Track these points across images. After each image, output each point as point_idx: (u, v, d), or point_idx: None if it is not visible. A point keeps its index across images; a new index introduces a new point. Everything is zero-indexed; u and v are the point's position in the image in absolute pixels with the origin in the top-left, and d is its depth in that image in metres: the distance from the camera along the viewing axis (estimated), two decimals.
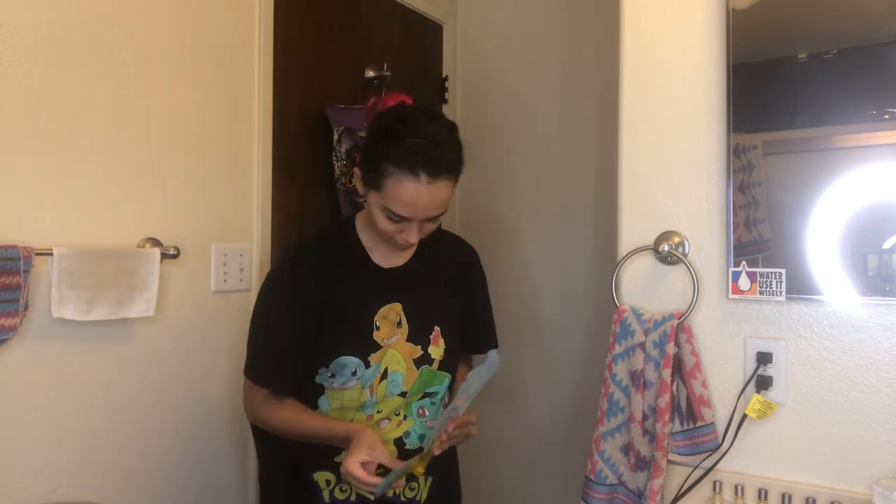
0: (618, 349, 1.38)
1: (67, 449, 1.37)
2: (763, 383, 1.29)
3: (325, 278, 1.33)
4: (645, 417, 1.34)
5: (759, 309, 1.32)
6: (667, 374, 1.30)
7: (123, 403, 1.46)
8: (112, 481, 1.44)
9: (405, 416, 1.37)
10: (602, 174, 2.24)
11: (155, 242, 1.48)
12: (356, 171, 1.33)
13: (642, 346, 1.35)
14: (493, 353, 1.27)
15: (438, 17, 2.49)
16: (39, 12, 1.30)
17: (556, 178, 2.37)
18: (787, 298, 1.28)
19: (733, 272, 1.32)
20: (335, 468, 1.34)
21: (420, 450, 1.35)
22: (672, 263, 1.40)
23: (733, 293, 1.32)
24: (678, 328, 1.32)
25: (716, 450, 1.32)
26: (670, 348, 1.30)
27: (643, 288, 1.43)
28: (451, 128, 1.29)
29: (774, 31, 1.33)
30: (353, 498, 1.35)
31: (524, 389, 2.41)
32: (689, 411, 1.33)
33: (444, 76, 2.52)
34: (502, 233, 2.47)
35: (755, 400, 1.29)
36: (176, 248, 1.49)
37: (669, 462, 1.33)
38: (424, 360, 1.38)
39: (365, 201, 1.33)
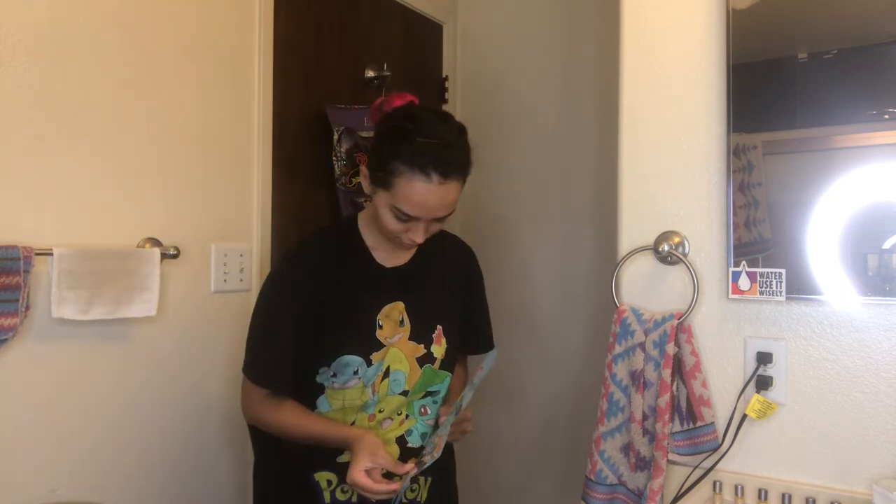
0: (618, 349, 1.38)
1: (67, 449, 1.37)
2: (763, 383, 1.30)
3: (327, 278, 1.33)
4: (645, 417, 1.34)
5: (759, 309, 1.32)
6: (667, 374, 1.30)
7: (123, 403, 1.46)
8: (112, 481, 1.44)
9: (407, 416, 1.38)
10: (602, 174, 2.24)
11: (155, 242, 1.48)
12: (363, 169, 1.33)
13: (642, 346, 1.35)
14: (492, 353, 1.30)
15: (438, 17, 2.49)
16: (39, 12, 1.30)
17: (556, 178, 2.37)
18: (787, 298, 1.28)
19: (733, 272, 1.32)
20: (337, 468, 1.34)
21: (422, 448, 1.35)
22: (672, 263, 1.40)
23: (733, 293, 1.32)
24: (678, 328, 1.33)
25: (716, 450, 1.32)
26: (670, 348, 1.30)
27: (643, 288, 1.44)
28: (462, 130, 1.30)
29: (774, 31, 1.33)
30: (354, 499, 1.35)
31: (524, 389, 2.41)
32: (689, 411, 1.33)
33: (444, 76, 2.52)
34: (502, 233, 2.47)
35: (755, 400, 1.29)
36: (176, 248, 1.49)
37: (669, 462, 1.33)
38: (427, 358, 1.38)
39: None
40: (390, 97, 1.34)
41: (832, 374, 1.26)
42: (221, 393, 1.66)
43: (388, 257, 1.40)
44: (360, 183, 1.92)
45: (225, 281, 1.67)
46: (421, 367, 1.37)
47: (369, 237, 1.39)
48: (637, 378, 1.35)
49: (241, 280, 1.72)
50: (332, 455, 1.34)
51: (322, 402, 1.34)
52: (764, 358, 1.30)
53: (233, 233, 1.71)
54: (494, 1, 2.53)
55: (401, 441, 1.36)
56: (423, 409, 1.40)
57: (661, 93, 1.42)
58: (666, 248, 1.39)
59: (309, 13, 1.95)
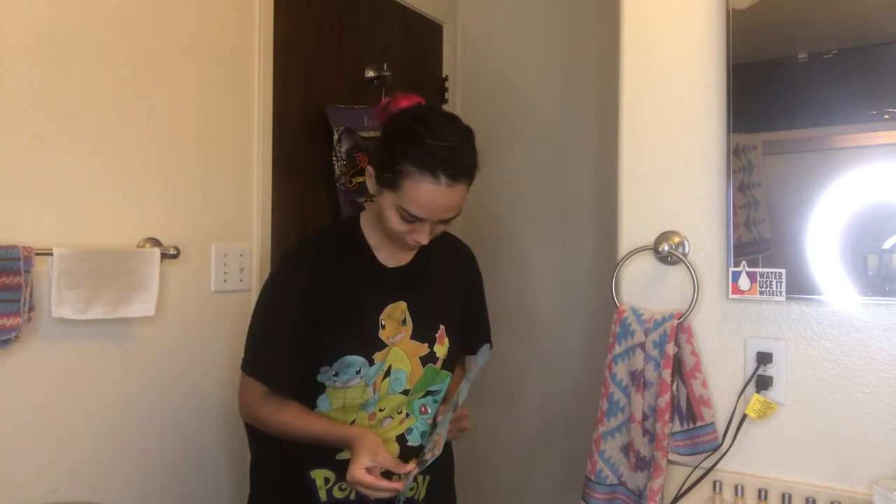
0: (618, 349, 1.38)
1: (67, 449, 1.37)
2: (763, 383, 1.29)
3: (327, 278, 1.33)
4: (645, 417, 1.34)
5: (759, 309, 1.32)
6: (667, 374, 1.30)
7: (123, 403, 1.46)
8: (112, 481, 1.44)
9: (407, 414, 1.38)
10: (602, 174, 2.24)
11: (155, 242, 1.48)
12: (369, 169, 1.33)
13: (642, 346, 1.35)
14: (485, 348, 1.32)
15: (438, 17, 2.49)
16: (39, 12, 1.30)
17: (556, 178, 2.37)
18: (787, 298, 1.28)
19: (733, 272, 1.32)
20: (335, 465, 1.34)
21: (422, 447, 1.35)
22: (672, 263, 1.40)
23: (733, 293, 1.32)
24: (678, 328, 1.33)
25: (716, 450, 1.32)
26: (670, 348, 1.30)
27: (643, 288, 1.44)
28: (469, 132, 1.31)
29: (774, 31, 1.33)
30: (352, 496, 1.35)
31: (523, 389, 2.41)
32: (689, 411, 1.33)
33: (444, 76, 2.52)
34: (502, 232, 2.47)
35: (755, 400, 1.29)
36: (176, 248, 1.49)
37: (669, 462, 1.33)
38: (430, 358, 1.38)
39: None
40: (397, 98, 1.34)
41: (832, 374, 1.26)
42: (221, 393, 1.66)
43: (391, 257, 1.40)
44: (360, 183, 1.94)
45: (225, 281, 1.67)
46: (423, 366, 1.37)
47: (372, 237, 1.39)
48: (637, 378, 1.35)
49: (241, 280, 1.72)
50: (330, 453, 1.34)
51: (322, 401, 1.34)
52: (764, 358, 1.30)
53: (233, 233, 1.71)
54: (494, 1, 2.53)
55: (401, 440, 1.36)
56: (423, 409, 1.40)
57: (661, 93, 1.42)
58: (666, 248, 1.39)
59: (309, 13, 1.95)
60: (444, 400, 1.44)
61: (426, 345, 1.38)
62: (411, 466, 1.25)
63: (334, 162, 1.93)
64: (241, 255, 1.72)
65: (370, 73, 2.14)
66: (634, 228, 1.45)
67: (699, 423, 1.32)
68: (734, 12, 1.33)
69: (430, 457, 1.26)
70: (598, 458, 1.39)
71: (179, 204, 1.57)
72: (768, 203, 1.32)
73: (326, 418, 1.33)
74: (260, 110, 1.76)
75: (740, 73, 1.33)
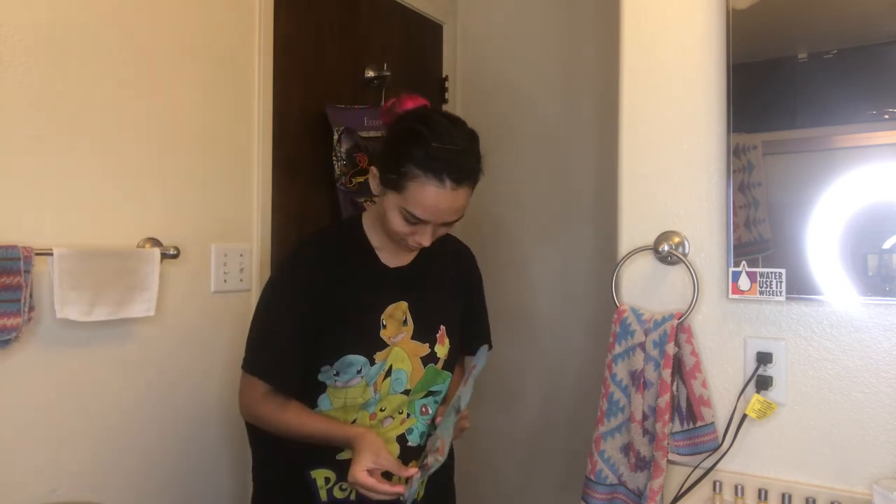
0: (618, 349, 1.38)
1: (67, 449, 1.37)
2: (763, 383, 1.30)
3: (328, 277, 1.33)
4: (645, 417, 1.34)
5: (759, 309, 1.32)
6: (667, 374, 1.30)
7: (123, 403, 1.46)
8: (112, 481, 1.44)
9: (408, 414, 1.38)
10: (602, 174, 2.24)
11: (155, 242, 1.48)
12: (373, 169, 1.33)
13: (642, 346, 1.35)
14: (483, 349, 1.31)
15: (438, 17, 2.49)
16: (39, 12, 1.30)
17: (556, 179, 2.37)
18: (787, 298, 1.28)
19: (733, 272, 1.32)
20: (335, 465, 1.34)
21: (422, 448, 1.35)
22: (672, 263, 1.40)
23: (733, 293, 1.32)
24: (678, 328, 1.33)
25: (716, 450, 1.32)
26: (670, 348, 1.30)
27: (643, 288, 1.44)
28: (474, 136, 1.31)
29: (774, 31, 1.33)
30: (353, 497, 1.35)
31: (523, 389, 2.41)
32: (689, 411, 1.33)
33: (444, 76, 2.52)
34: (502, 232, 2.47)
35: (755, 400, 1.29)
36: (176, 248, 1.49)
37: (669, 462, 1.33)
38: (431, 358, 1.38)
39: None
40: (402, 99, 1.34)
41: (832, 374, 1.26)
42: (221, 393, 1.66)
43: (392, 258, 1.40)
44: (360, 183, 1.94)
45: (225, 281, 1.67)
46: (424, 366, 1.37)
47: (374, 237, 1.39)
48: (637, 378, 1.35)
49: (241, 280, 1.72)
50: (331, 453, 1.34)
51: (323, 400, 1.34)
52: (764, 358, 1.30)
53: (233, 233, 1.71)
54: (494, 1, 2.53)
55: (401, 440, 1.36)
56: (424, 409, 1.40)
57: (661, 93, 1.42)
58: (666, 248, 1.39)
59: (309, 13, 1.95)
60: (445, 400, 1.44)
61: (427, 345, 1.38)
62: (413, 471, 1.25)
63: (334, 162, 1.93)
64: (241, 255, 1.72)
65: (370, 73, 2.14)
66: (634, 228, 1.45)
67: (699, 423, 1.32)
68: (734, 12, 1.33)
69: (432, 462, 1.26)
70: (598, 458, 1.39)
71: (179, 204, 1.57)
72: (768, 203, 1.32)
73: (328, 418, 1.33)
74: (260, 110, 1.76)
75: (740, 73, 1.33)
